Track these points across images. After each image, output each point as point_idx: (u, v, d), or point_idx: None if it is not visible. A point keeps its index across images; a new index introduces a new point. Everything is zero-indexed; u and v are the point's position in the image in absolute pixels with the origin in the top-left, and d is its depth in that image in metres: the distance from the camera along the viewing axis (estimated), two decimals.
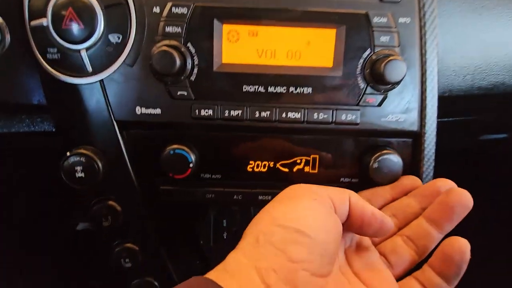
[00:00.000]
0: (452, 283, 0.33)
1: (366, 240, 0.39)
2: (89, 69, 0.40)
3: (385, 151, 0.44)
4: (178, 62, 0.38)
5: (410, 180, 0.43)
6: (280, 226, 0.30)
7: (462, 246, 0.32)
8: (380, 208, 0.41)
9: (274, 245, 0.29)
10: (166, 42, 0.40)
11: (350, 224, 0.34)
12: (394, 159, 0.44)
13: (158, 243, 0.50)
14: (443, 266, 0.33)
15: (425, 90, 0.43)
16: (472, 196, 0.35)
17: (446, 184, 0.39)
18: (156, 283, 0.51)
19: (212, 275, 0.28)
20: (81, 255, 0.73)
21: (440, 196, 0.37)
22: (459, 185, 0.38)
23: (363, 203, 0.34)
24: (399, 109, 0.43)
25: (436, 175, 0.45)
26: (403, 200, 0.41)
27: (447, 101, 0.47)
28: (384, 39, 0.41)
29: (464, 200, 0.35)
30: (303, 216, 0.30)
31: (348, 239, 0.38)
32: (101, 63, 0.40)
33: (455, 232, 0.36)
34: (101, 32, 0.38)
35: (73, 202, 0.49)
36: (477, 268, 0.36)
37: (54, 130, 0.51)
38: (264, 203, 0.48)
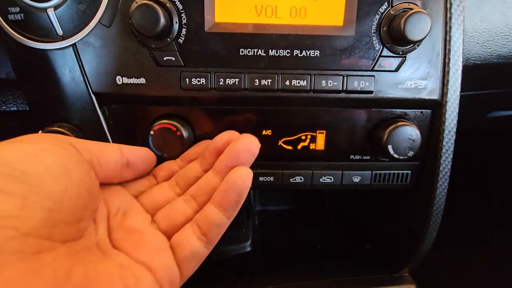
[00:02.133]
0: (230, 214, 0.33)
1: (137, 207, 0.34)
2: (59, 31, 0.35)
3: (400, 123, 0.40)
4: (162, 19, 0.33)
5: (201, 145, 0.39)
6: None
7: (245, 173, 0.33)
8: (166, 180, 0.37)
9: None
10: None
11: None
12: (411, 132, 0.40)
13: None
14: (225, 196, 0.33)
15: (449, 51, 0.38)
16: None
17: (222, 137, 0.36)
18: None
19: None
20: None
21: (228, 146, 0.35)
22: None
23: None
24: (419, 74, 0.39)
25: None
26: (187, 166, 0.37)
27: (463, 71, 0.42)
28: None
29: (249, 145, 0.34)
30: (20, 158, 0.24)
31: (114, 209, 0.33)
32: (73, 24, 0.35)
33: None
34: None
35: None
36: None
37: (28, 108, 0.47)
38: (266, 184, 0.44)
